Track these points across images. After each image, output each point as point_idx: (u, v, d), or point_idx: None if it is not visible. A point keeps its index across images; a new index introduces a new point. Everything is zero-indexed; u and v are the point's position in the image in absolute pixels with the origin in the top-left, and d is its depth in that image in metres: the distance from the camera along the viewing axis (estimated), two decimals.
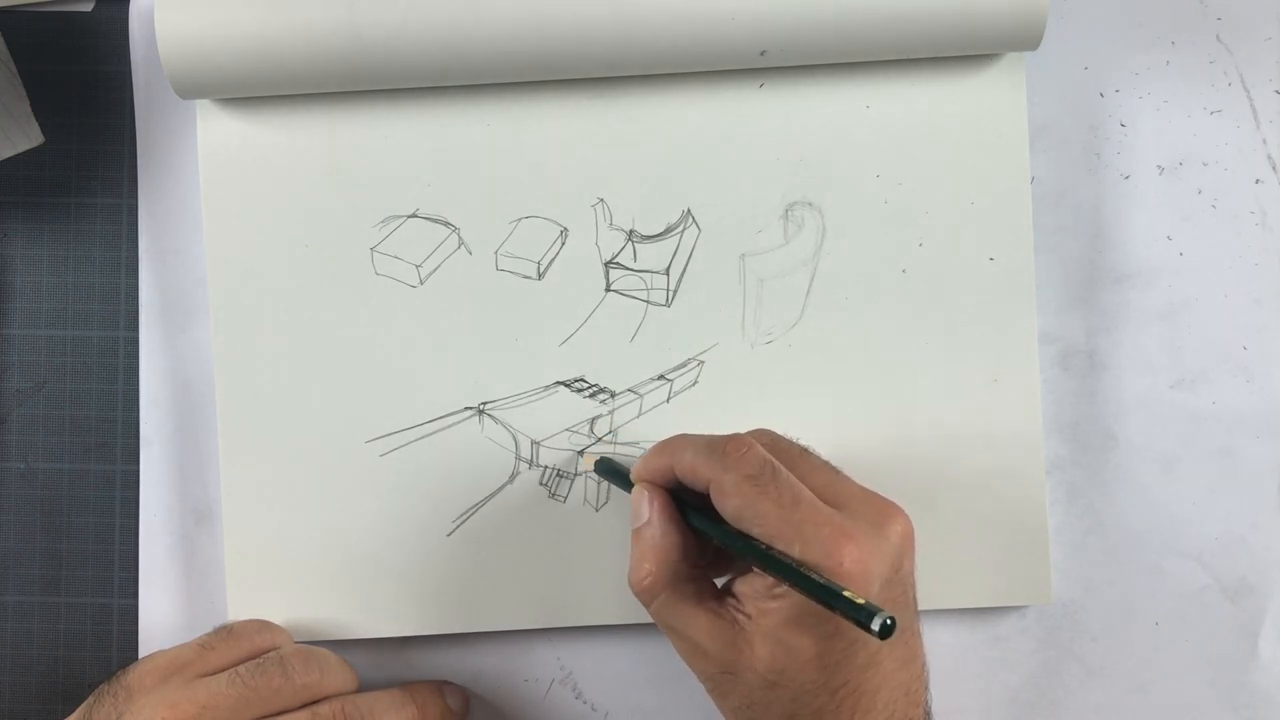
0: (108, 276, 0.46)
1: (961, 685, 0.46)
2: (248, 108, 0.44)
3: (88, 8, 0.46)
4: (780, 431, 0.40)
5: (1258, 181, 0.46)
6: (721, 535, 0.37)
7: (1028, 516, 0.45)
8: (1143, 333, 0.46)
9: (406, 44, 0.41)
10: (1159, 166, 0.46)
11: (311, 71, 0.41)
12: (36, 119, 0.45)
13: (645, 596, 0.38)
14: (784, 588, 0.35)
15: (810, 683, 0.36)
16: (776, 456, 0.37)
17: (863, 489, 0.38)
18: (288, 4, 0.40)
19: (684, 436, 0.40)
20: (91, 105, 0.46)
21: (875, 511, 0.37)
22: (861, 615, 0.32)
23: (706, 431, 0.39)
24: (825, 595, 0.33)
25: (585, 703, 0.46)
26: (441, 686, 0.44)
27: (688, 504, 0.39)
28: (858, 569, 0.34)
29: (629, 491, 0.40)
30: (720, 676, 0.37)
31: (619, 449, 0.45)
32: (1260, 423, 0.46)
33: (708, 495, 0.37)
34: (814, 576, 0.34)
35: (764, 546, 0.36)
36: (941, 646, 0.46)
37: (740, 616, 0.37)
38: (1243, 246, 0.46)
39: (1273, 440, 0.46)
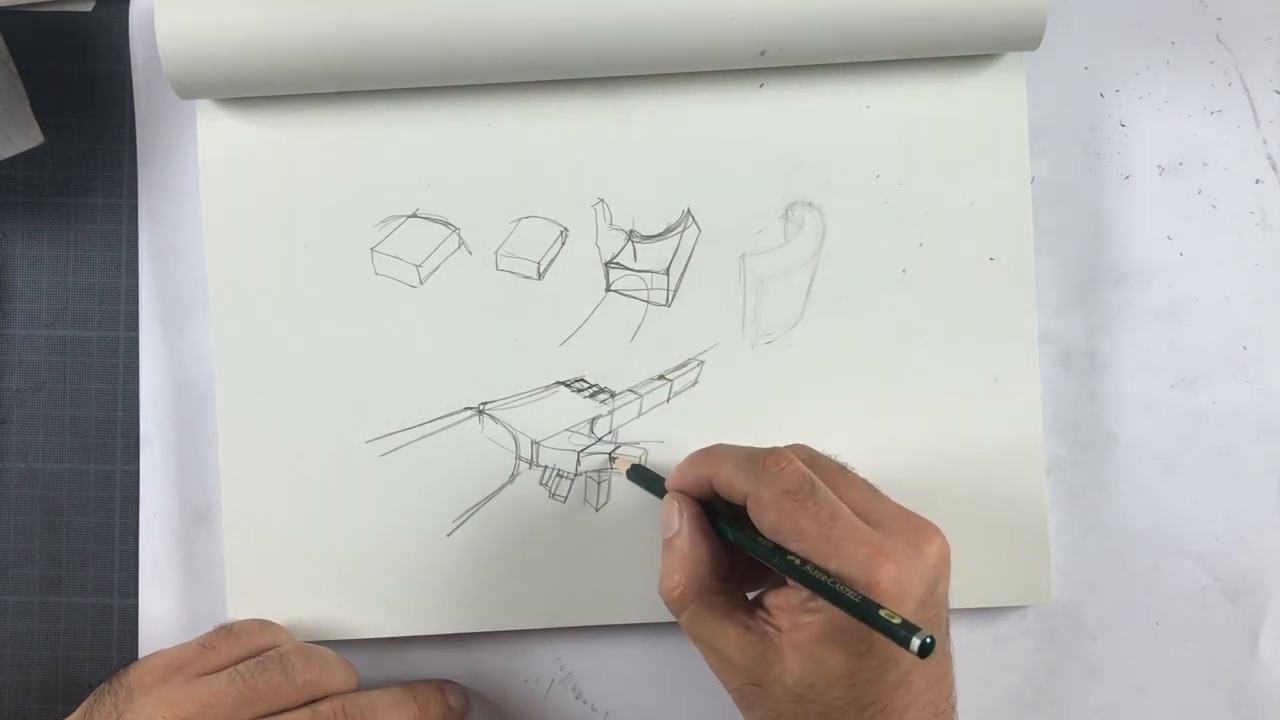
0: (108, 276, 0.46)
1: (961, 685, 0.46)
2: (248, 108, 0.44)
3: (88, 8, 0.46)
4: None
5: (1258, 181, 0.46)
6: (756, 548, 0.37)
7: (1028, 517, 0.44)
8: (1143, 333, 0.46)
9: (407, 44, 0.41)
10: (1159, 166, 0.46)
11: (311, 71, 0.41)
12: (36, 119, 0.45)
13: (675, 607, 0.38)
14: (819, 602, 0.35)
15: (839, 699, 0.35)
16: (814, 472, 0.37)
17: (900, 507, 0.38)
18: (288, 4, 0.40)
19: (722, 446, 0.39)
20: (91, 105, 0.46)
21: (913, 531, 0.37)
22: (900, 633, 0.31)
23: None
24: (863, 611, 0.33)
25: (585, 703, 0.46)
26: (442, 685, 0.44)
27: (721, 515, 0.39)
28: (894, 589, 0.34)
29: (660, 498, 0.40)
30: (748, 688, 0.37)
31: (621, 449, 0.45)
32: (1260, 423, 0.46)
33: (743, 508, 0.37)
34: (851, 593, 0.33)
35: (800, 561, 0.35)
36: None
37: (770, 629, 0.36)
38: (1243, 246, 0.46)
39: (1273, 440, 0.46)
